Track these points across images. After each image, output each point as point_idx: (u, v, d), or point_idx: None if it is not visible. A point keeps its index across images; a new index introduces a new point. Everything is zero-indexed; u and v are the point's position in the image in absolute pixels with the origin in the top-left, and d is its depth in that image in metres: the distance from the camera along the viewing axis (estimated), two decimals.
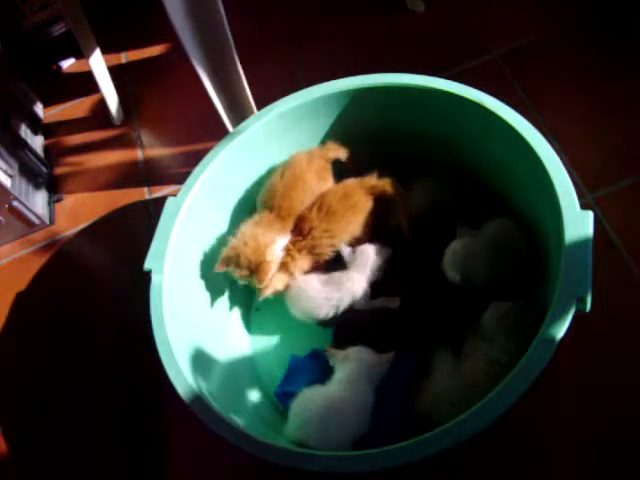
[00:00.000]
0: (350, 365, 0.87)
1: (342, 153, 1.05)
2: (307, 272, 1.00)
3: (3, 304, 1.25)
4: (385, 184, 1.01)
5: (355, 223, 0.99)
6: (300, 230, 1.00)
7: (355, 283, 0.96)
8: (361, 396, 0.84)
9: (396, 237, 1.01)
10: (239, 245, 0.95)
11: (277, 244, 0.96)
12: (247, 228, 0.97)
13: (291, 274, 0.99)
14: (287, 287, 1.00)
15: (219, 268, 0.96)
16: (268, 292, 0.97)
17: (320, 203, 1.00)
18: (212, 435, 0.75)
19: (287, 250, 0.99)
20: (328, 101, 1.01)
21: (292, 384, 0.95)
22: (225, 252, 0.96)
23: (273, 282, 0.97)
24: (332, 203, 0.99)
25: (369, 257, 0.97)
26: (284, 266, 0.99)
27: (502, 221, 0.93)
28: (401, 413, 0.87)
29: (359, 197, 0.99)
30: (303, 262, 0.99)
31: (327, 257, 1.00)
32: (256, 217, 1.00)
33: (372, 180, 1.01)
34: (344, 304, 0.96)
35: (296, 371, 0.97)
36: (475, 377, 0.81)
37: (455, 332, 0.90)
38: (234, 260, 0.95)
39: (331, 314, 0.96)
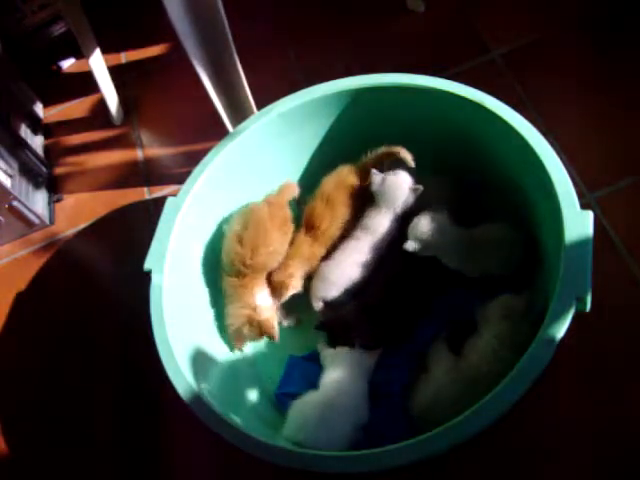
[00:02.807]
0: (340, 365, 0.87)
1: (296, 191, 1.06)
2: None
3: (3, 304, 1.25)
4: (373, 158, 1.02)
5: (353, 205, 1.01)
6: (311, 226, 1.01)
7: (384, 217, 0.97)
8: (356, 387, 0.85)
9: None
10: (235, 325, 0.96)
11: (261, 301, 0.97)
12: (231, 309, 0.97)
13: (312, 265, 1.00)
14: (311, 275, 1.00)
15: (238, 346, 0.98)
16: (292, 291, 0.99)
17: (321, 195, 1.01)
18: (212, 435, 0.75)
19: (302, 244, 1.00)
20: (328, 101, 1.01)
21: (291, 385, 0.95)
22: (231, 333, 0.97)
23: (294, 283, 0.99)
24: (331, 193, 1.01)
25: (402, 185, 0.97)
26: (304, 259, 1.00)
27: (495, 225, 0.94)
28: (401, 413, 0.87)
29: (351, 179, 1.01)
30: (320, 250, 1.01)
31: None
32: (229, 290, 0.99)
33: (362, 160, 1.04)
34: (378, 247, 0.96)
35: (294, 372, 0.97)
36: (473, 373, 0.81)
37: (451, 329, 0.91)
38: (244, 335, 0.96)
39: (369, 259, 0.96)
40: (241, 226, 0.99)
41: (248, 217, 1.00)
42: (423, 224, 0.91)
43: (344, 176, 1.02)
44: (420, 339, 0.93)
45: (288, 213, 1.04)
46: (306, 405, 0.84)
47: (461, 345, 0.86)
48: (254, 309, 0.96)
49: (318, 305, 0.97)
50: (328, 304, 0.97)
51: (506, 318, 0.83)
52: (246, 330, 0.95)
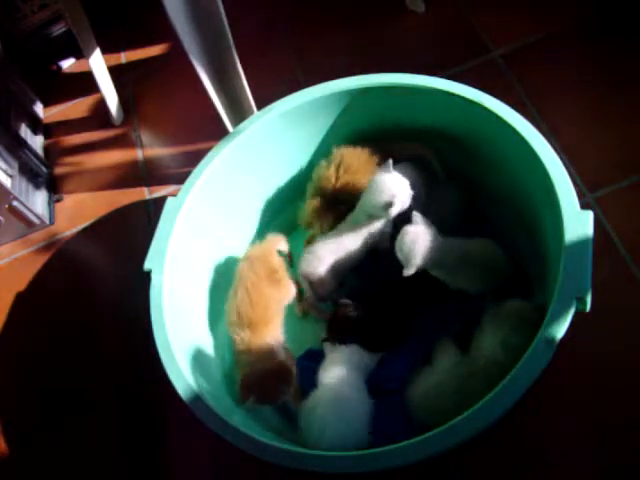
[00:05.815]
0: (340, 361, 0.87)
1: (282, 242, 1.03)
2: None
3: (3, 304, 1.25)
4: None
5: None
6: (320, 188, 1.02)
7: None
8: (355, 383, 0.86)
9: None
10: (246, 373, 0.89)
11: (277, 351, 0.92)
12: (243, 360, 0.90)
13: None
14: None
15: (244, 398, 0.86)
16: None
17: (340, 163, 1.01)
18: (212, 435, 0.75)
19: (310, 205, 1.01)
20: (328, 101, 1.01)
21: None
22: (240, 385, 0.88)
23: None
24: (346, 159, 1.01)
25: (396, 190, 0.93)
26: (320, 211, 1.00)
27: (483, 242, 0.93)
28: (401, 412, 0.87)
29: (368, 155, 1.01)
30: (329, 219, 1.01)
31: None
32: (241, 345, 0.91)
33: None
34: (371, 240, 0.96)
35: None
36: (478, 370, 0.81)
37: (460, 326, 0.91)
38: (253, 389, 0.87)
39: (361, 246, 0.96)
40: (233, 292, 0.96)
41: (236, 282, 0.97)
42: (413, 243, 0.87)
43: (366, 152, 1.01)
44: (423, 337, 0.92)
45: (275, 261, 0.98)
46: (315, 409, 0.83)
47: (468, 342, 0.86)
48: (270, 357, 0.90)
49: (303, 282, 0.97)
50: (314, 284, 0.96)
51: (514, 320, 0.82)
52: (257, 372, 0.88)
